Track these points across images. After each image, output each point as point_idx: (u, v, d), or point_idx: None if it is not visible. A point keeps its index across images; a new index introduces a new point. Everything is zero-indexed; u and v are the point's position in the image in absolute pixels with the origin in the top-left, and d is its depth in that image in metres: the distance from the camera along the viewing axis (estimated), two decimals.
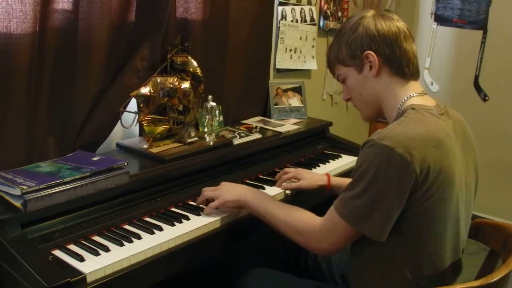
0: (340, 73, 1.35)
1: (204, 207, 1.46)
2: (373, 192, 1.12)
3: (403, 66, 1.26)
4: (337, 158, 2.06)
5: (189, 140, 1.75)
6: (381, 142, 1.11)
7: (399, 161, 1.09)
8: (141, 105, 1.66)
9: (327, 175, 1.68)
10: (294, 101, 2.43)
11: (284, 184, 1.69)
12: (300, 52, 2.56)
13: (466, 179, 1.24)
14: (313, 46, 2.61)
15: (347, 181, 1.61)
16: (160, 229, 1.34)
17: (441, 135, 1.16)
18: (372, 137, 1.14)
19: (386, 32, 1.24)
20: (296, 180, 1.68)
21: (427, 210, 1.14)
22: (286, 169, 1.76)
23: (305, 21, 2.54)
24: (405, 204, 1.13)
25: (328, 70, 1.43)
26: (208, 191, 1.48)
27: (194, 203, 1.52)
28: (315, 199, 1.73)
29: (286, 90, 2.42)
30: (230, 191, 1.44)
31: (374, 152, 1.12)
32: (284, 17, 2.43)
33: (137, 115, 1.68)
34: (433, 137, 1.14)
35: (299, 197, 1.68)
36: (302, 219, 1.28)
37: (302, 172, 1.71)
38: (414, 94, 1.26)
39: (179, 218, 1.40)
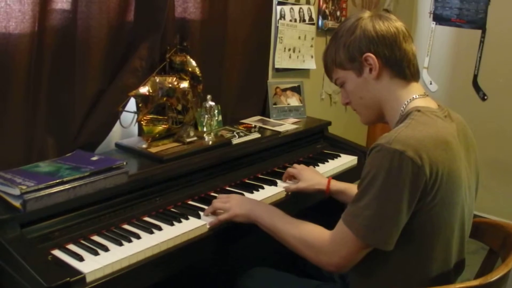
0: (338, 77, 1.31)
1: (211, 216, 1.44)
2: (383, 199, 1.08)
3: (403, 67, 1.22)
4: (336, 158, 2.06)
5: (188, 140, 1.75)
6: (391, 146, 1.06)
7: (411, 165, 1.05)
8: (140, 105, 1.66)
9: (329, 179, 1.64)
10: (293, 100, 2.43)
11: (284, 185, 1.69)
12: (299, 51, 2.56)
13: (469, 181, 1.22)
14: (311, 46, 2.61)
15: (347, 186, 1.60)
16: (159, 228, 1.34)
17: (449, 137, 1.13)
18: (380, 141, 1.09)
19: (385, 33, 1.21)
20: (297, 181, 1.68)
21: (435, 215, 1.11)
22: (295, 165, 1.74)
23: (304, 20, 2.54)
24: (413, 209, 1.09)
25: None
26: (218, 203, 1.44)
27: (193, 203, 1.53)
28: (315, 199, 1.73)
29: (285, 90, 2.42)
30: (240, 205, 1.40)
31: (384, 157, 1.07)
32: (282, 16, 2.42)
33: (136, 115, 1.68)
34: (442, 139, 1.11)
35: (298, 197, 1.68)
36: (311, 234, 1.23)
37: (304, 172, 1.68)
38: (417, 96, 1.22)
39: (178, 218, 1.40)
